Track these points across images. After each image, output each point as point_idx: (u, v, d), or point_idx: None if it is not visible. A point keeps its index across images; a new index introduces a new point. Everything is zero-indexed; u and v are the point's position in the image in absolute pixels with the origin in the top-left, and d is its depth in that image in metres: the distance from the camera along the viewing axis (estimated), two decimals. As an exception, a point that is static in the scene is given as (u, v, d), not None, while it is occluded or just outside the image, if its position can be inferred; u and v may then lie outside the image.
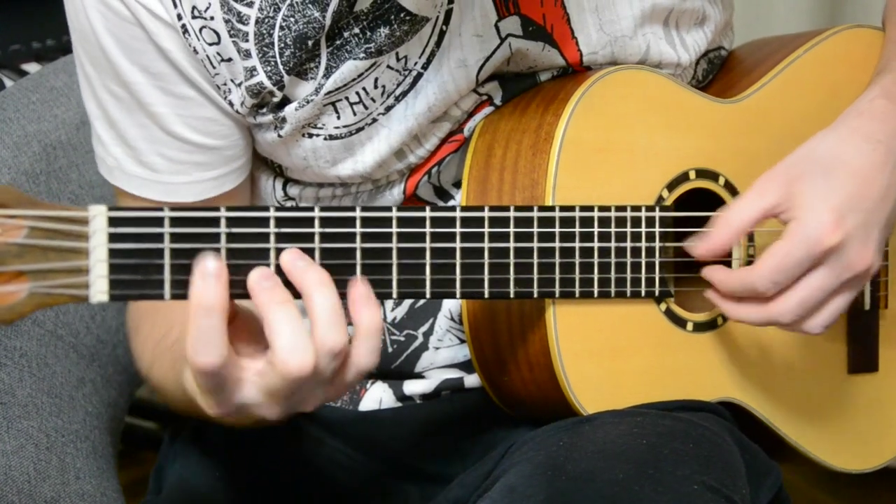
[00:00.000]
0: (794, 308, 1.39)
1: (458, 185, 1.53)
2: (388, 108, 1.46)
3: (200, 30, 1.39)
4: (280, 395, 1.20)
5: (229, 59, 1.41)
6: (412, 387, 1.56)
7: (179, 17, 1.39)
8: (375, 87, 1.44)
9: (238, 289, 1.19)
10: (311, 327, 1.18)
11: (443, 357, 1.55)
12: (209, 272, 1.16)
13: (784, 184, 1.40)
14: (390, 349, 1.55)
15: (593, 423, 1.39)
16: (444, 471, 1.55)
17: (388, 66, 1.43)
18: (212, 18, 1.39)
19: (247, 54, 1.41)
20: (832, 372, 1.60)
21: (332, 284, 1.20)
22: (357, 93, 1.44)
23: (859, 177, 1.42)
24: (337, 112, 1.45)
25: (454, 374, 1.55)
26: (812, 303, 1.39)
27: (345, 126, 1.46)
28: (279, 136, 1.46)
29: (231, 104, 1.44)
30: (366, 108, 1.45)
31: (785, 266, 1.38)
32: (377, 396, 1.58)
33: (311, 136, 1.46)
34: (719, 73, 1.63)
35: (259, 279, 1.19)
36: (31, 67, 2.15)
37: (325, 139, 1.46)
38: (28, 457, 1.57)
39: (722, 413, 1.49)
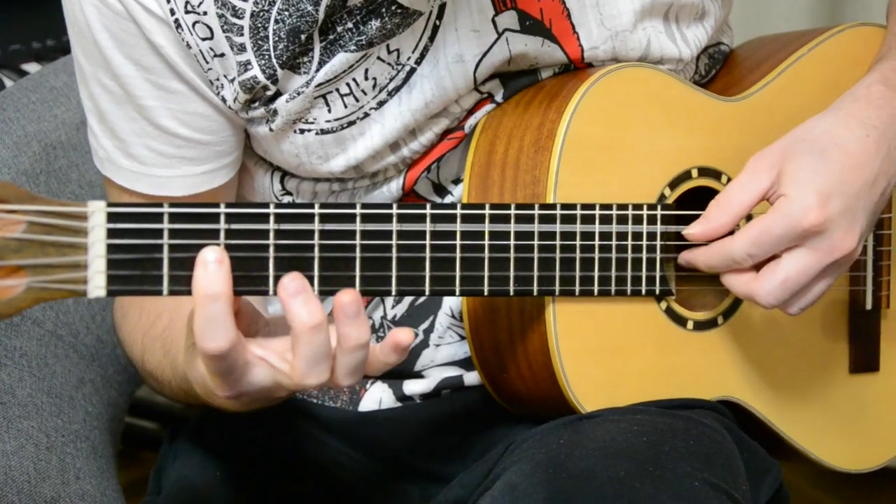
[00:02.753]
0: (776, 288, 1.39)
1: (457, 181, 1.52)
2: (381, 104, 1.46)
3: (193, 25, 1.39)
4: (290, 391, 1.22)
5: (222, 55, 1.41)
6: (412, 387, 1.56)
7: (172, 13, 1.39)
8: (366, 78, 1.44)
9: (238, 285, 1.19)
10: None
11: (443, 354, 1.55)
12: (210, 259, 1.16)
13: (776, 164, 1.41)
14: (391, 346, 1.55)
15: (593, 421, 1.39)
16: (445, 470, 1.55)
17: (379, 58, 1.44)
18: (205, 13, 1.39)
19: (241, 48, 1.41)
20: (833, 371, 1.60)
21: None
22: (347, 84, 1.44)
23: (851, 161, 1.42)
24: (328, 105, 1.45)
25: (454, 372, 1.55)
26: (794, 285, 1.40)
27: (336, 119, 1.46)
28: (270, 129, 1.46)
29: (224, 99, 1.44)
30: (357, 100, 1.45)
31: (762, 240, 1.38)
32: (377, 397, 1.58)
33: (302, 131, 1.46)
34: (722, 71, 1.63)
35: (293, 292, 1.18)
36: (31, 67, 2.15)
37: (317, 134, 1.46)
38: (28, 457, 1.57)
39: (721, 411, 1.49)
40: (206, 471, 1.60)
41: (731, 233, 1.42)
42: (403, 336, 1.20)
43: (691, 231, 1.42)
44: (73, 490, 1.61)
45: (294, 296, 1.17)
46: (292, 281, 1.18)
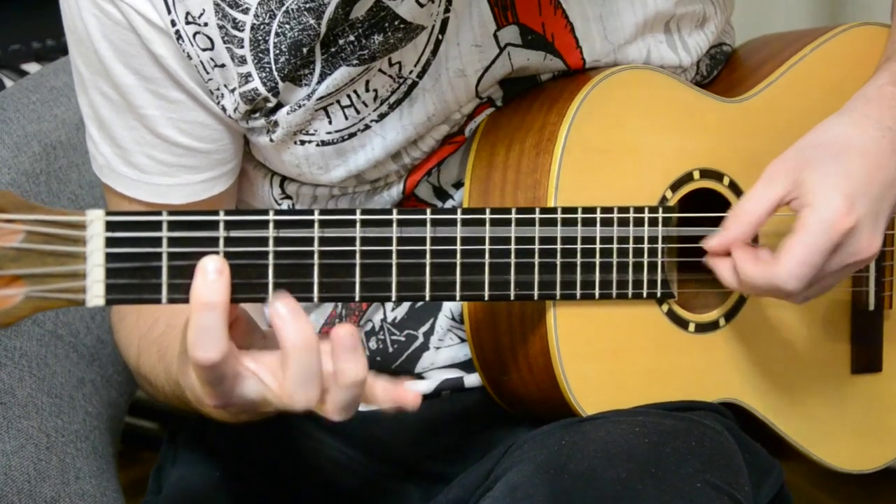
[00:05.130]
0: (795, 279, 1.37)
1: (457, 185, 1.52)
2: (382, 116, 1.45)
3: (194, 35, 1.39)
4: (276, 409, 1.22)
5: (223, 65, 1.41)
6: (412, 387, 1.56)
7: (173, 23, 1.38)
8: (367, 90, 1.44)
9: (237, 293, 1.18)
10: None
11: (443, 357, 1.54)
12: (210, 269, 1.16)
13: (793, 170, 1.39)
14: (391, 349, 1.55)
15: (595, 423, 1.39)
16: (445, 470, 1.55)
17: (380, 71, 1.43)
18: (205, 24, 1.38)
19: (241, 60, 1.40)
20: (835, 372, 1.59)
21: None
22: (348, 96, 1.44)
23: (869, 163, 1.41)
24: (329, 117, 1.45)
25: (454, 373, 1.55)
26: (812, 279, 1.38)
27: (336, 131, 1.45)
28: (271, 140, 1.45)
29: (224, 109, 1.43)
30: (357, 112, 1.45)
31: (812, 259, 1.36)
32: (378, 397, 1.57)
33: (303, 142, 1.46)
34: (724, 72, 1.62)
35: (283, 311, 1.18)
36: (31, 67, 2.16)
37: (318, 145, 1.46)
38: (28, 457, 1.57)
39: (723, 412, 1.48)
40: (206, 471, 1.60)
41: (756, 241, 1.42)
42: (411, 398, 1.22)
43: (710, 244, 1.41)
44: (73, 490, 1.62)
45: (284, 315, 1.17)
46: (282, 300, 1.18)
